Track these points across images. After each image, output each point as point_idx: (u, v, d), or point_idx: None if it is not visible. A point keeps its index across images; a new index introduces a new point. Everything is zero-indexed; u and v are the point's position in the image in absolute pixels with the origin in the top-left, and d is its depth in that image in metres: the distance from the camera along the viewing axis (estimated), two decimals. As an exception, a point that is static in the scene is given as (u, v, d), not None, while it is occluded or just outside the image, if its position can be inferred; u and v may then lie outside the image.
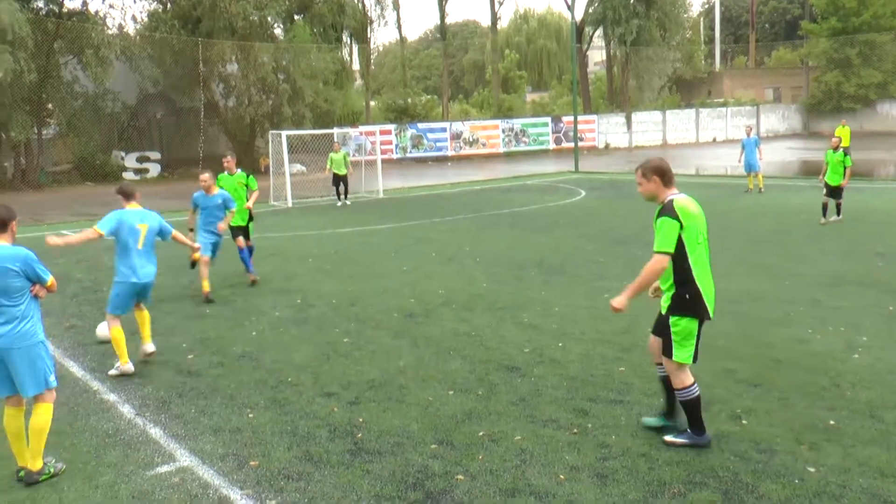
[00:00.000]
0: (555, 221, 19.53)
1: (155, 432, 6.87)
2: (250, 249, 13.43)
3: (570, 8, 46.24)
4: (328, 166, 25.38)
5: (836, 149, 18.05)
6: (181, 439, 6.67)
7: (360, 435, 6.61)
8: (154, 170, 40.23)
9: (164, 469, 6.12)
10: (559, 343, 9.07)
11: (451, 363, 8.47)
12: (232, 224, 12.81)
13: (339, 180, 25.24)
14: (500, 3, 58.93)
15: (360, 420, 6.94)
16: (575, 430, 6.55)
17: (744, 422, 6.64)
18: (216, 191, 12.30)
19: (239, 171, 13.47)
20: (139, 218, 8.64)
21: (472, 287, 12.29)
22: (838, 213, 17.90)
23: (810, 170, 33.35)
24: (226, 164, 13.47)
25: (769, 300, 10.87)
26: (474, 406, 7.18)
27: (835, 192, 17.86)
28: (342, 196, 25.47)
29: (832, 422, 6.57)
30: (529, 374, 8.00)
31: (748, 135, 24.61)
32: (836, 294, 11.09)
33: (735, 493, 5.44)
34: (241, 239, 13.26)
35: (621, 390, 7.47)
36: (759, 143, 24.30)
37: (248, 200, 13.42)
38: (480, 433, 6.56)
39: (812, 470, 5.73)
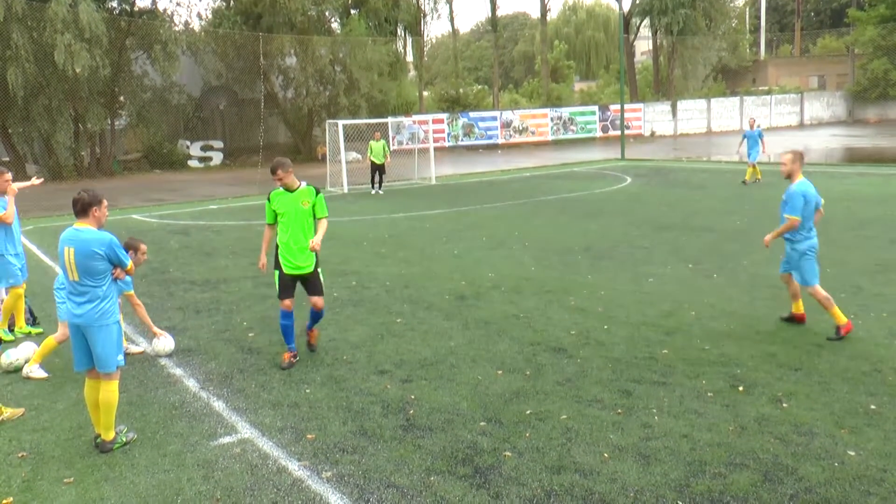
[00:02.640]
0: (601, 208, 19.34)
1: (218, 405, 7.00)
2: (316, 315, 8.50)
3: (618, 0, 45.55)
4: (368, 154, 25.33)
5: None
6: (242, 412, 6.79)
7: (411, 411, 6.65)
8: (217, 158, 40.81)
9: (226, 440, 6.24)
10: (605, 326, 9.01)
11: (500, 344, 8.46)
12: (289, 269, 8.02)
13: (376, 169, 25.09)
14: (550, -5, 58.24)
15: (412, 397, 6.98)
16: (619, 411, 6.51)
17: (784, 405, 6.53)
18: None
19: (303, 184, 8.15)
20: None
21: (521, 271, 12.25)
22: None
23: (854, 157, 32.51)
24: (279, 177, 8.06)
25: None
26: (522, 385, 7.17)
27: None
28: (377, 185, 25.29)
29: (873, 406, 6.43)
30: (576, 356, 7.97)
31: (752, 127, 24.06)
32: (879, 281, 10.81)
33: (775, 474, 5.36)
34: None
35: (664, 372, 7.39)
36: (763, 136, 23.75)
37: (315, 233, 8.08)
38: (528, 412, 6.55)
39: (852, 454, 5.62)
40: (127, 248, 7.34)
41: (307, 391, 7.24)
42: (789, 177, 8.66)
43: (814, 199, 8.52)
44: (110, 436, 6.16)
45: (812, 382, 7.02)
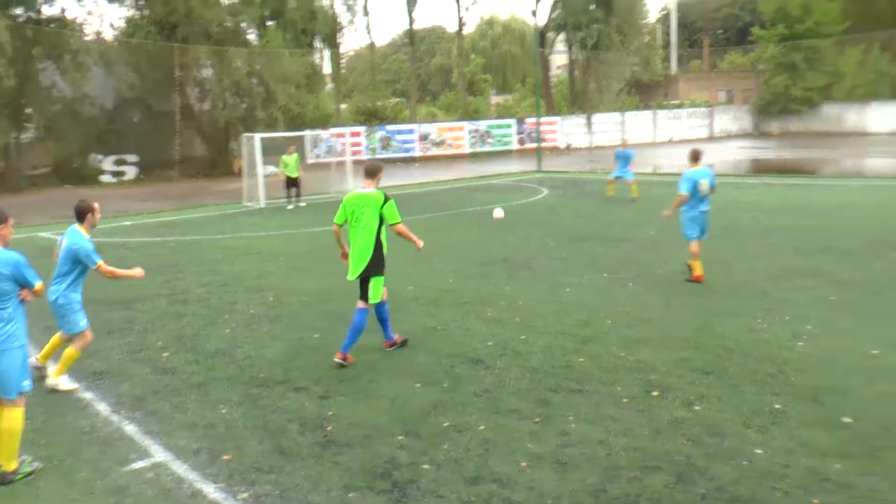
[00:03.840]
0: (519, 219, 19.57)
1: (130, 429, 6.78)
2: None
3: (534, 14, 46.40)
4: (281, 169, 24.87)
5: None
6: (156, 435, 6.60)
7: (329, 428, 6.58)
8: (131, 172, 39.65)
9: (139, 465, 6.05)
10: (522, 336, 9.10)
11: (418, 357, 8.46)
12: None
13: (291, 183, 24.73)
14: (466, 10, 58.96)
15: (330, 413, 6.90)
16: (536, 420, 6.57)
17: (697, 408, 6.71)
18: None
19: (372, 189, 8.35)
20: None
21: (440, 283, 12.28)
22: None
23: (759, 168, 33.79)
24: (367, 184, 8.42)
25: (723, 293, 10.98)
26: (440, 398, 7.17)
27: None
28: (294, 199, 24.96)
29: (778, 406, 6.67)
30: (493, 367, 8.02)
31: (624, 147, 23.80)
32: (784, 286, 11.23)
33: (688, 475, 5.50)
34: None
35: (581, 380, 7.51)
36: (633, 158, 23.41)
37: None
38: (446, 424, 6.56)
39: (759, 452, 5.81)
40: (84, 211, 7.75)
41: (223, 411, 7.08)
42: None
43: (703, 179, 11.63)
44: (12, 466, 5.89)
45: (723, 385, 7.24)
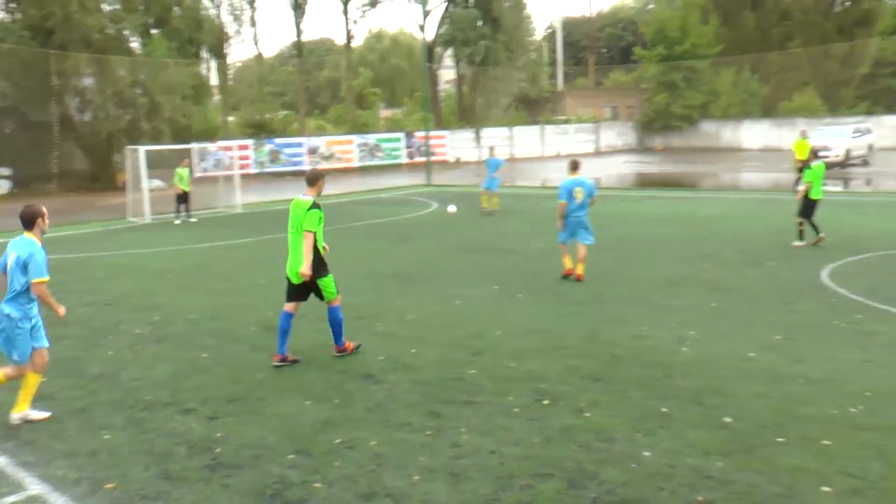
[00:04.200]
0: (409, 233, 19.63)
1: (1, 461, 6.39)
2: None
3: (422, 29, 46.77)
4: (176, 182, 24.19)
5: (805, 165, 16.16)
6: (31, 466, 6.23)
7: (218, 450, 6.39)
8: (4, 186, 37.63)
9: (10, 499, 5.69)
10: (413, 349, 9.10)
11: (309, 374, 8.33)
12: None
13: (183, 198, 24.12)
14: (355, 23, 58.88)
15: (219, 435, 6.71)
16: (429, 433, 6.58)
17: (587, 414, 6.87)
18: None
19: (308, 197, 9.02)
20: None
21: (331, 298, 12.14)
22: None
23: (644, 182, 35.10)
24: (307, 192, 9.11)
25: (611, 302, 11.31)
26: (331, 415, 7.09)
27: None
28: (183, 213, 24.33)
29: (665, 409, 6.91)
30: (384, 381, 7.99)
31: (491, 154, 23.92)
32: (669, 294, 11.67)
33: (579, 480, 5.61)
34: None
35: (473, 391, 7.56)
36: (502, 165, 23.65)
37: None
38: (337, 441, 6.48)
39: (647, 454, 6.00)
40: (33, 216, 7.16)
41: (106, 437, 6.76)
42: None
43: (578, 188, 12.72)
44: None
45: (612, 391, 7.44)
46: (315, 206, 8.67)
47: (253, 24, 54.23)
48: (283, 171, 45.30)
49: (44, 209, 7.29)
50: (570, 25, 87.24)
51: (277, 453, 6.27)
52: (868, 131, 41.09)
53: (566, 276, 12.97)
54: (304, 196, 8.89)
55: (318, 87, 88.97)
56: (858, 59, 56.37)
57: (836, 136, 38.36)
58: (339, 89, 75.12)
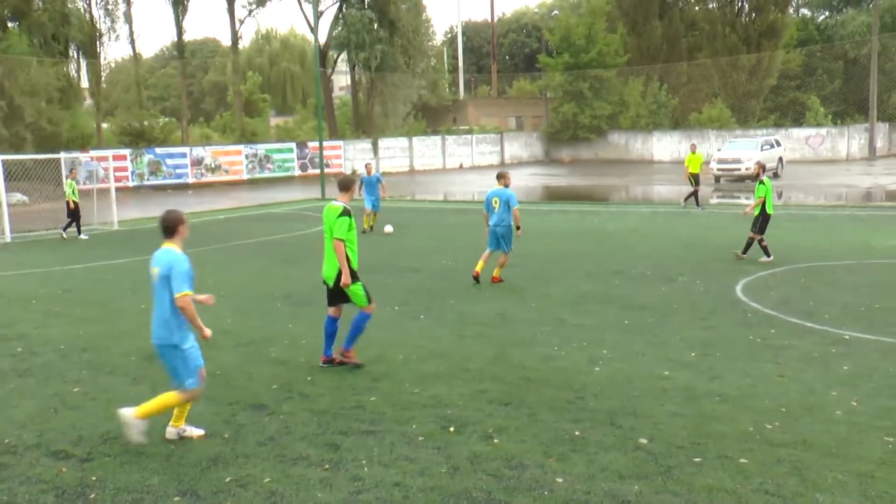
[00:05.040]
0: (303, 251, 19.43)
1: None
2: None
3: (314, 31, 46.43)
4: (69, 195, 23.26)
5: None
6: None
7: (92, 496, 6.14)
8: None
9: None
10: (309, 377, 9.00)
11: (195, 406, 8.06)
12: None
13: (75, 211, 23.34)
14: (241, 22, 57.89)
15: (94, 479, 6.44)
16: (327, 466, 6.50)
17: (496, 441, 6.93)
18: None
19: (339, 202, 9.38)
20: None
21: (218, 323, 11.79)
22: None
23: (552, 195, 35.83)
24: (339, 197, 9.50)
25: (518, 321, 11.47)
26: (220, 450, 6.92)
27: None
28: (74, 228, 23.60)
29: (577, 432, 7.04)
30: (278, 412, 7.86)
31: (369, 172, 23.48)
32: (579, 312, 11.93)
33: (489, 512, 5.64)
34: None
35: (373, 420, 7.53)
36: (382, 181, 23.55)
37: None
38: (227, 479, 6.33)
39: (560, 480, 6.09)
40: (175, 223, 7.15)
41: (-48, 484, 6.40)
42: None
43: (495, 197, 14.16)
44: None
45: (521, 415, 7.53)
46: (345, 213, 9.14)
47: (128, 20, 52.48)
48: (164, 184, 44.18)
49: (184, 215, 7.27)
50: (472, 30, 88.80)
51: (161, 495, 6.08)
52: (777, 144, 43.40)
53: (475, 279, 14.28)
54: (336, 202, 9.33)
55: (203, 92, 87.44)
56: (766, 71, 59.53)
57: (746, 149, 40.31)
58: (226, 95, 73.99)
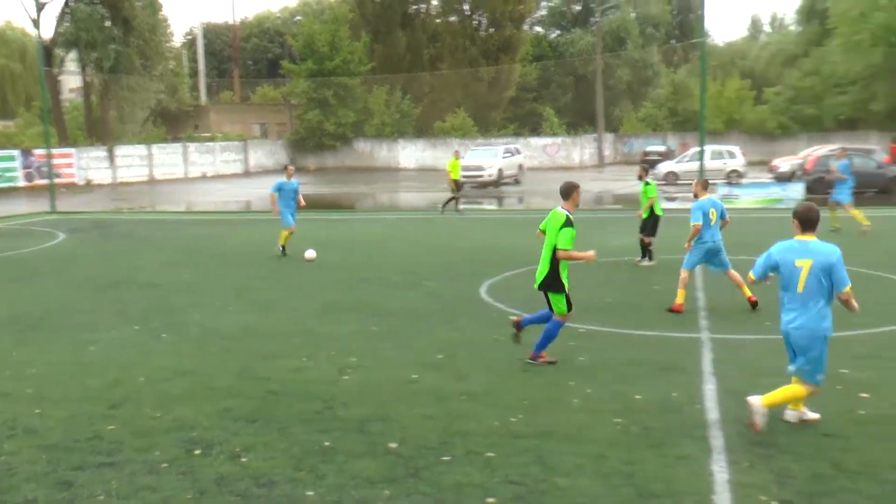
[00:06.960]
0: (31, 270, 17.95)
1: None
2: None
3: (36, 25, 42.95)
4: None
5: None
6: None
7: None
8: None
9: None
10: (36, 409, 8.27)
11: None
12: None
13: None
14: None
15: None
16: (57, 505, 6.04)
17: (244, 459, 6.77)
18: None
19: (563, 210, 9.35)
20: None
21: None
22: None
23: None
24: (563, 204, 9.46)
25: (266, 334, 11.28)
26: (-73, 498, 6.22)
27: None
28: None
29: (327, 443, 7.05)
30: (0, 451, 7.19)
31: (289, 177, 19.64)
32: (328, 321, 11.94)
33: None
34: None
35: (112, 451, 7.07)
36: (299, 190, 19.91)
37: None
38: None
39: (311, 493, 6.07)
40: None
41: None
42: None
43: (713, 209, 12.13)
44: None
45: (270, 431, 7.41)
46: (569, 223, 9.16)
47: None
48: None
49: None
50: (212, 33, 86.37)
51: None
52: (517, 152, 46.15)
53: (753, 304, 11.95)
54: (561, 209, 9.35)
55: None
56: (505, 83, 63.08)
57: (489, 156, 42.44)
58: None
